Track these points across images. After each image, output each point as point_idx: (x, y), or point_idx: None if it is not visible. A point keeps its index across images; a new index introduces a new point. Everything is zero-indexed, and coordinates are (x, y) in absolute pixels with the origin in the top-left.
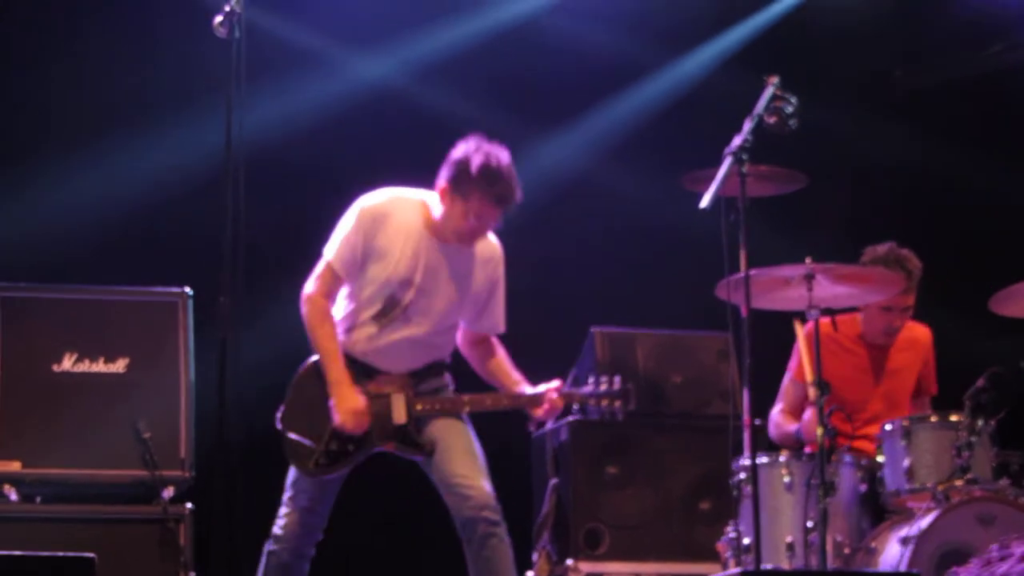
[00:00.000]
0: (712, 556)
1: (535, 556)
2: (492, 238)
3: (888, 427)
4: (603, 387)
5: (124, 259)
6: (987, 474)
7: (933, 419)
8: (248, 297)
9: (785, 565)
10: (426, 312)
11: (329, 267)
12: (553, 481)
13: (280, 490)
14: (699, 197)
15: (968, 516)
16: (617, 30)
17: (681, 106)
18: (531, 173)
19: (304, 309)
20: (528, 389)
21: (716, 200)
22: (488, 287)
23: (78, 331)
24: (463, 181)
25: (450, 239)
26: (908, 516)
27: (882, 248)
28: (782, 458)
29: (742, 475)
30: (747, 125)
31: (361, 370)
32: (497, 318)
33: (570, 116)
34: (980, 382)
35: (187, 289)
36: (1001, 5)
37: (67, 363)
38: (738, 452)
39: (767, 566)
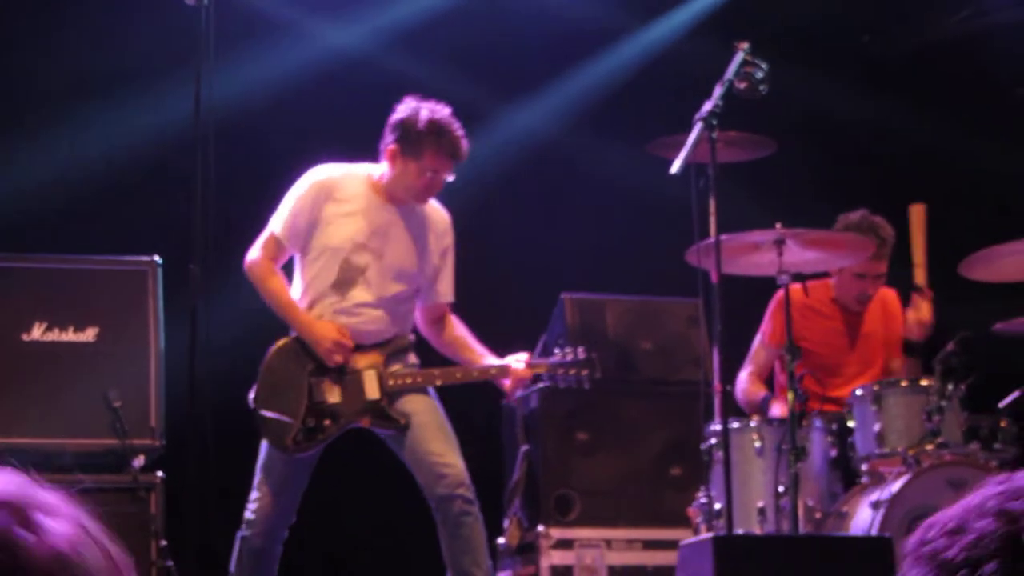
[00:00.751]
0: (683, 521)
1: (506, 523)
2: (440, 207)
3: (858, 391)
4: (568, 356)
5: (93, 228)
6: (957, 438)
7: (903, 383)
8: (218, 265)
9: (756, 530)
10: (384, 275)
11: (272, 236)
12: (524, 448)
13: (253, 457)
14: (669, 163)
15: (939, 480)
16: None
17: (649, 72)
18: (500, 140)
19: (249, 273)
20: (495, 360)
21: (686, 166)
22: (440, 253)
23: (47, 300)
24: (412, 139)
25: (401, 201)
26: (879, 480)
27: (855, 215)
28: (753, 423)
29: (713, 440)
30: (717, 91)
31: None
32: (448, 286)
33: (538, 83)
34: (950, 346)
35: (156, 258)
36: None
37: (36, 332)
38: (709, 418)
39: (738, 531)
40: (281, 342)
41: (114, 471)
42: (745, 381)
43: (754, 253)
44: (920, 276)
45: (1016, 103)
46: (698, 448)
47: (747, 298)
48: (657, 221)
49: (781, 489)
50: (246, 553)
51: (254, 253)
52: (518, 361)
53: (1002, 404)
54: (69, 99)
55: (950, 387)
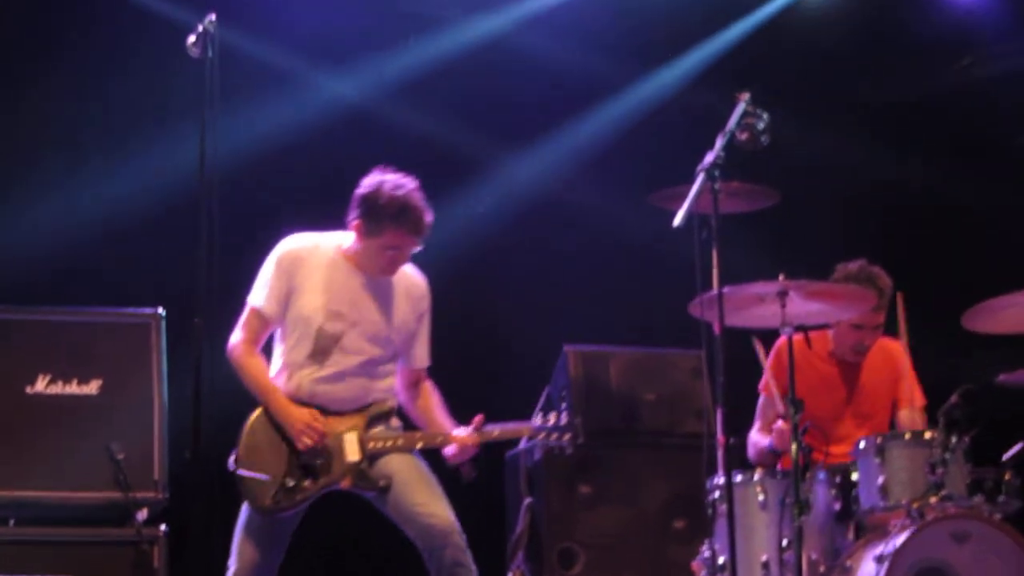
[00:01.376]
0: (686, 575)
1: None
2: (416, 273)
3: (862, 444)
4: (550, 422)
5: (97, 280)
6: (961, 491)
7: (907, 436)
8: (222, 318)
9: None
10: (360, 341)
11: (253, 311)
12: (527, 500)
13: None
14: (671, 214)
15: (943, 533)
16: (587, 48)
17: (652, 123)
18: (504, 191)
19: (230, 357)
20: (455, 430)
21: (689, 217)
22: (416, 318)
23: (51, 353)
24: (373, 216)
25: (371, 271)
26: (883, 533)
27: (853, 265)
28: (756, 476)
29: (716, 493)
30: (719, 141)
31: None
32: (424, 351)
33: (542, 134)
34: (954, 398)
35: (160, 310)
36: (967, 19)
37: (40, 385)
38: (712, 470)
39: None
40: (259, 410)
41: (117, 524)
42: (755, 435)
43: (757, 305)
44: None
45: (1018, 152)
46: (701, 501)
47: (750, 349)
48: (660, 273)
49: (785, 543)
50: None
51: (235, 336)
52: (467, 429)
53: (1006, 456)
54: (73, 150)
55: (954, 439)
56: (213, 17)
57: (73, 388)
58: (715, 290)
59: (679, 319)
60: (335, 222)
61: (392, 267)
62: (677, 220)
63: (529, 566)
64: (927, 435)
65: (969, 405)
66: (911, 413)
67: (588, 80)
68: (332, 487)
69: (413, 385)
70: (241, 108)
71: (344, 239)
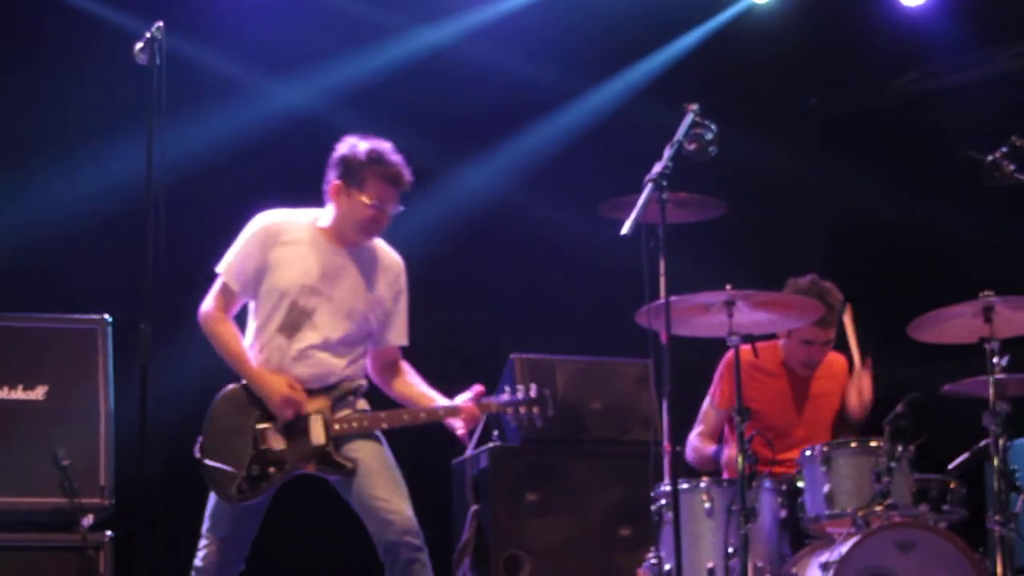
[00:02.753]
0: None
1: None
2: (393, 252)
3: (808, 452)
4: (520, 395)
5: (44, 287)
6: (907, 500)
7: (853, 445)
8: (168, 324)
9: None
10: (334, 317)
11: (223, 283)
12: (473, 508)
13: (202, 515)
14: (619, 224)
15: (887, 542)
16: (537, 58)
17: (600, 133)
18: (450, 201)
19: (202, 325)
20: (443, 401)
21: (636, 227)
22: (392, 296)
23: None
24: (354, 171)
25: (350, 243)
26: (828, 541)
27: (804, 280)
28: (703, 484)
29: (662, 501)
30: (667, 152)
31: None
32: (401, 330)
33: (489, 144)
34: (899, 408)
35: (106, 316)
36: (914, 34)
37: None
38: (658, 478)
39: None
40: (228, 389)
41: (63, 530)
42: (695, 440)
43: (704, 314)
44: (856, 359)
45: (964, 165)
46: (648, 509)
47: (697, 359)
48: (607, 282)
49: (731, 550)
50: None
51: (207, 304)
52: (467, 400)
53: (951, 466)
54: (18, 156)
55: (899, 449)
56: (160, 24)
57: (19, 394)
58: (662, 299)
59: (626, 328)
60: None
61: (374, 227)
62: (625, 229)
63: (475, 573)
64: (873, 444)
65: (915, 415)
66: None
67: (537, 90)
68: (297, 472)
69: (388, 366)
70: (188, 116)
71: (320, 215)
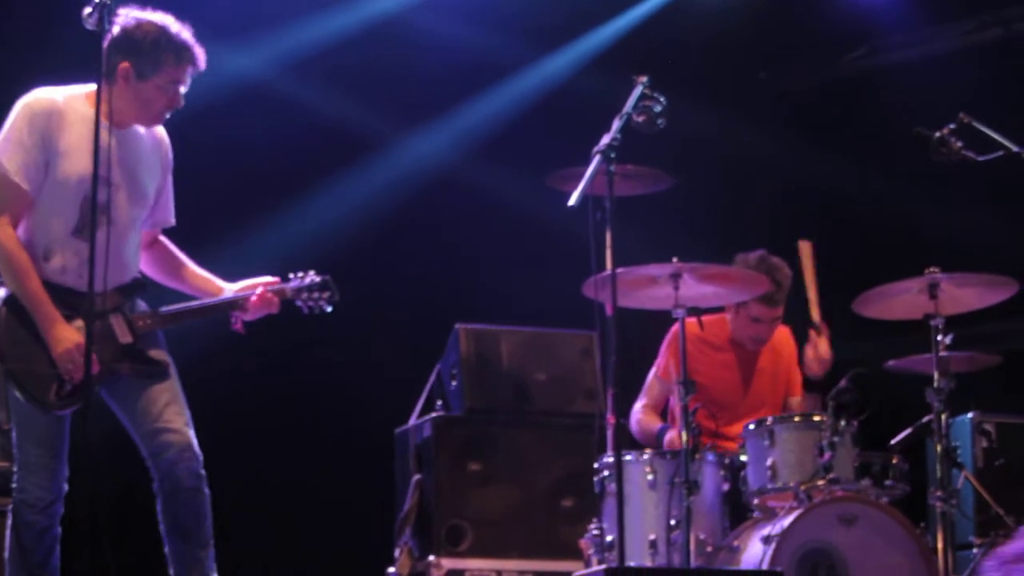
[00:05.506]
0: (575, 554)
1: (397, 552)
2: (159, 127)
3: (751, 426)
4: (306, 280)
5: None
6: (849, 474)
7: (796, 419)
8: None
9: (648, 563)
10: (126, 208)
11: (8, 184)
12: (416, 477)
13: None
14: (566, 195)
15: (830, 515)
16: (485, 28)
17: (549, 104)
18: (397, 169)
19: None
20: (229, 287)
21: (584, 199)
22: (164, 173)
23: None
24: (145, 54)
25: (129, 123)
26: (770, 515)
27: (753, 256)
28: (646, 456)
29: (606, 473)
30: (616, 124)
31: (65, 297)
32: (170, 209)
33: (438, 112)
34: (843, 383)
35: None
36: (864, 9)
37: None
38: (602, 450)
39: (630, 564)
40: (7, 294)
41: (3, 494)
42: (639, 412)
43: (651, 287)
44: (815, 312)
45: (911, 141)
46: (591, 480)
47: (642, 331)
48: (554, 253)
49: (673, 522)
50: (27, 537)
51: None
52: (261, 287)
53: (894, 441)
54: None
55: (842, 423)
56: None
57: None
58: (608, 271)
59: (572, 299)
60: (233, 197)
61: (170, 108)
62: (572, 201)
63: (417, 542)
64: (816, 418)
65: (858, 390)
66: (798, 400)
67: (486, 59)
68: (111, 373)
69: (153, 245)
70: None
71: (88, 91)
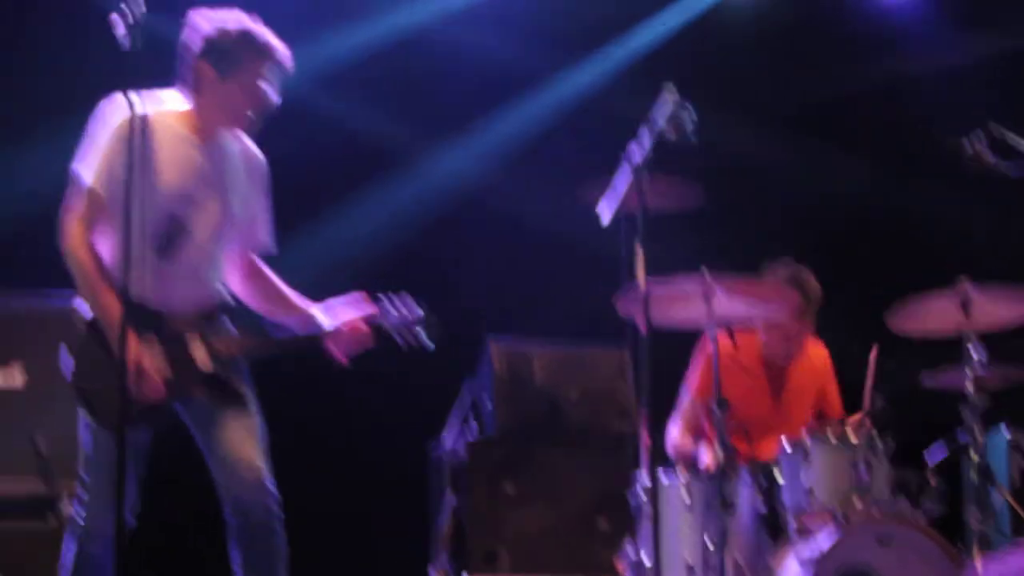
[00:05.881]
0: (611, 573)
1: (432, 574)
2: (253, 143)
3: (787, 446)
4: (406, 314)
5: (20, 267)
6: (886, 494)
7: (832, 439)
8: None
9: None
10: (209, 228)
11: (88, 192)
12: (451, 498)
13: (182, 496)
14: (597, 209)
15: (867, 536)
16: (513, 41)
17: (578, 116)
18: (428, 184)
19: (68, 250)
20: (323, 319)
21: (615, 213)
22: (260, 194)
23: None
24: (230, 55)
25: (216, 135)
26: (807, 536)
27: (782, 269)
28: (681, 477)
29: (641, 494)
30: (646, 137)
31: (144, 317)
32: (267, 232)
33: (468, 125)
34: (878, 402)
35: None
36: (892, 18)
37: None
38: (636, 469)
39: None
40: (93, 316)
41: (40, 516)
42: (675, 434)
43: (683, 303)
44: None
45: (943, 152)
46: (625, 499)
47: (675, 348)
48: (586, 268)
49: (709, 544)
50: (87, 569)
51: (71, 222)
52: (355, 320)
53: (929, 460)
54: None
55: (878, 442)
56: (141, 3)
57: None
58: (641, 287)
59: (605, 316)
60: None
61: (257, 111)
62: (604, 219)
63: (453, 564)
64: (852, 437)
65: (894, 408)
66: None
67: (516, 71)
68: (185, 397)
69: (252, 275)
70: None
71: (175, 101)
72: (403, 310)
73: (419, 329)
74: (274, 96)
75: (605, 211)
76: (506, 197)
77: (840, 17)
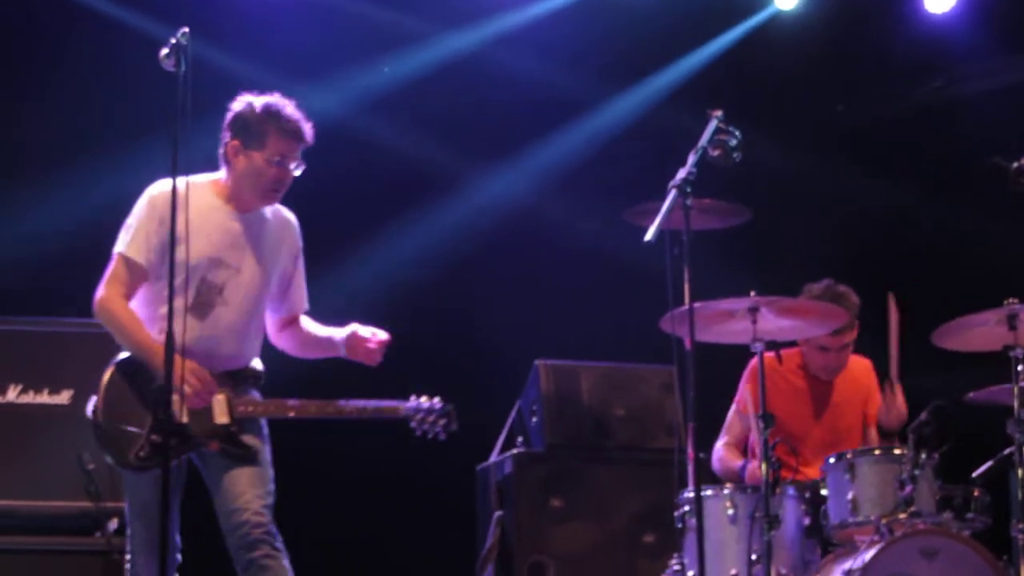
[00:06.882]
0: None
1: None
2: (285, 209)
3: (832, 460)
4: (424, 404)
5: (68, 290)
6: (930, 507)
7: (877, 452)
8: None
9: None
10: (242, 291)
11: (125, 261)
12: (497, 514)
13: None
14: (643, 230)
15: (912, 549)
16: (562, 64)
17: (624, 139)
18: (475, 206)
19: (99, 311)
20: (338, 336)
21: (660, 233)
22: (292, 259)
23: (22, 363)
24: (252, 129)
25: (250, 206)
26: (852, 549)
27: (819, 286)
28: (726, 491)
29: (686, 508)
30: (691, 158)
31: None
32: (303, 294)
33: (514, 149)
34: (923, 416)
35: None
36: (941, 41)
37: (11, 395)
38: (682, 485)
39: None
40: (123, 356)
41: (87, 534)
42: (721, 451)
43: (728, 321)
44: (893, 368)
45: (989, 172)
46: (672, 515)
47: (721, 365)
48: (632, 288)
49: (754, 557)
50: None
51: (103, 289)
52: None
53: (975, 474)
54: (46, 162)
55: (923, 456)
56: (186, 30)
57: (44, 398)
58: (686, 305)
59: (651, 334)
60: (312, 236)
61: (278, 186)
62: (649, 236)
63: None
64: (897, 451)
65: (939, 422)
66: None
67: (563, 96)
68: (199, 447)
69: (288, 325)
70: (215, 123)
71: (215, 179)
72: (427, 403)
73: (436, 419)
74: (294, 170)
75: (651, 231)
76: (553, 219)
77: (885, 39)
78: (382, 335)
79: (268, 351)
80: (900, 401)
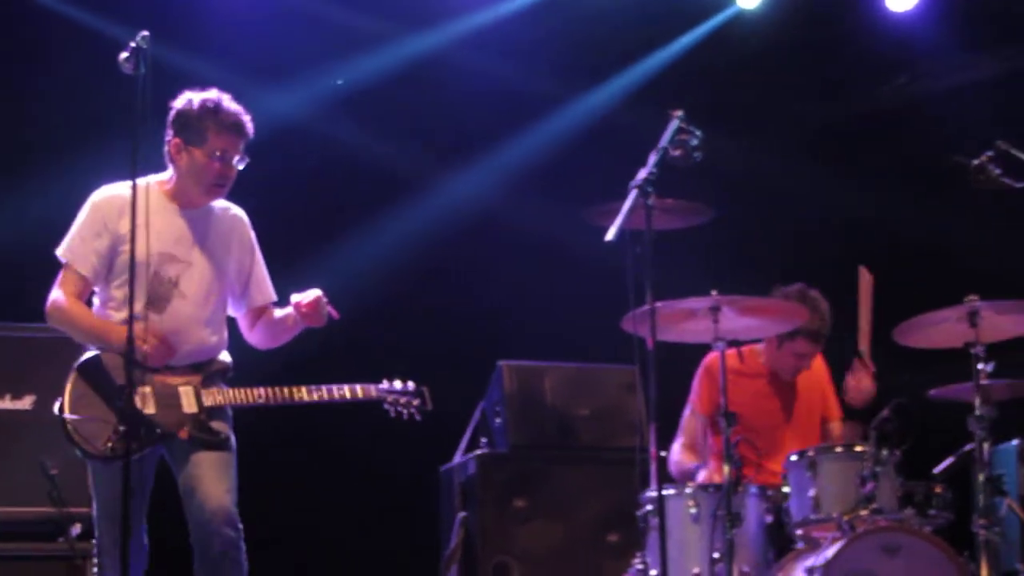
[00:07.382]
0: None
1: None
2: (234, 205)
3: (793, 457)
4: (398, 387)
5: (29, 296)
6: (892, 504)
7: (838, 449)
8: None
9: None
10: (198, 284)
11: (71, 270)
12: (461, 514)
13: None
14: (605, 230)
15: (873, 545)
16: (522, 65)
17: (586, 139)
18: (438, 207)
19: (51, 314)
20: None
21: (622, 233)
22: (247, 253)
23: None
24: (192, 126)
25: (196, 202)
26: (814, 546)
27: (791, 289)
28: (688, 490)
29: (649, 507)
30: (652, 158)
31: (138, 366)
32: (267, 286)
33: (476, 149)
34: (885, 412)
35: None
36: (904, 39)
37: None
38: (645, 484)
39: None
40: (87, 356)
41: (50, 539)
42: (677, 452)
43: (690, 320)
44: (863, 343)
45: (951, 169)
46: (634, 515)
47: (684, 364)
48: (593, 288)
49: (716, 555)
50: None
51: (54, 294)
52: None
53: (937, 470)
54: (7, 168)
55: (885, 453)
56: (146, 34)
57: (6, 403)
58: (648, 305)
59: (613, 334)
60: (273, 236)
61: (222, 180)
62: (609, 235)
63: None
64: (858, 448)
65: (900, 419)
66: (839, 424)
67: (523, 97)
68: (168, 436)
69: (259, 319)
70: None
71: (159, 179)
72: (400, 385)
73: (409, 400)
74: (235, 165)
75: (612, 230)
76: (515, 220)
77: (850, 38)
78: (311, 295)
79: (238, 343)
80: (868, 378)
